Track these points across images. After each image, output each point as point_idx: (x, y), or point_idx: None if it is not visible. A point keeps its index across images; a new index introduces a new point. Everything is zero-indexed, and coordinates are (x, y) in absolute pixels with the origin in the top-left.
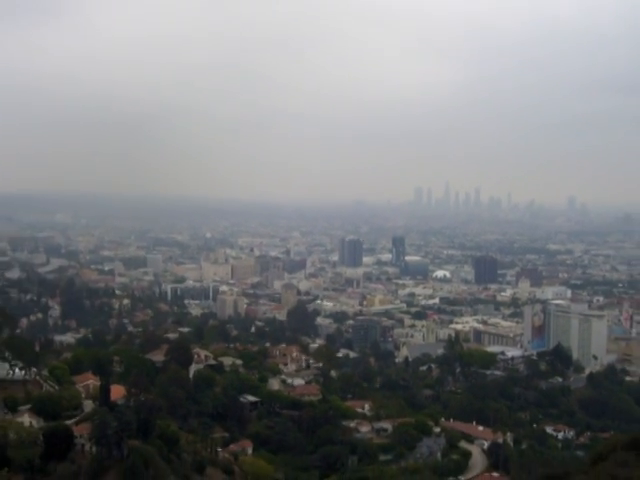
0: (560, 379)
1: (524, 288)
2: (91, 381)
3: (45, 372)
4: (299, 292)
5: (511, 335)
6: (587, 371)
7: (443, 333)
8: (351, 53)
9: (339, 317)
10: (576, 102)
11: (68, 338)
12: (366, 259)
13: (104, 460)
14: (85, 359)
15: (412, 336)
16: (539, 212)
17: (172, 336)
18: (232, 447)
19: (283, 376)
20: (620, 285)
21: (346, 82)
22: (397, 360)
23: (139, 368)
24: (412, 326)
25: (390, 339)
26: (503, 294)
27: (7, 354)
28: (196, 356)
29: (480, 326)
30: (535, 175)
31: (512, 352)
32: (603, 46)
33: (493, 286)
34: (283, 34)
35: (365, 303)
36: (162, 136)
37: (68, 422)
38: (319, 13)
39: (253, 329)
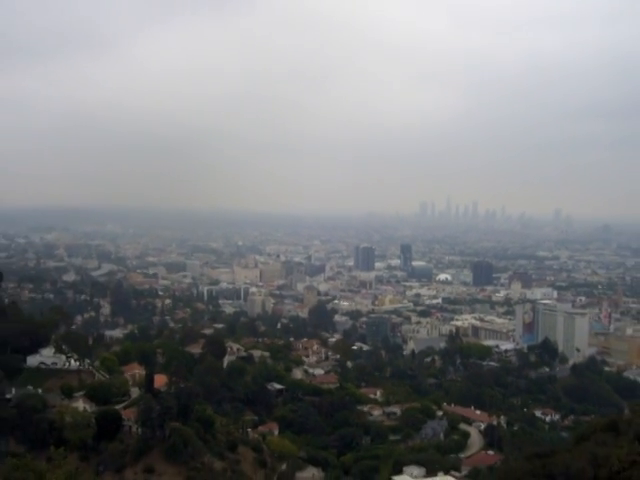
0: (547, 369)
1: (516, 289)
2: (137, 371)
3: (97, 363)
4: (319, 293)
5: (504, 331)
6: (571, 362)
7: (445, 329)
8: (364, 84)
9: (354, 315)
10: (562, 126)
11: (117, 333)
12: (377, 264)
13: (148, 440)
14: (132, 352)
15: (418, 331)
16: (529, 223)
17: (208, 331)
18: (260, 428)
19: (305, 366)
20: (600, 287)
21: (361, 109)
22: (405, 352)
23: (179, 359)
24: (418, 323)
25: (399, 334)
26: (497, 295)
27: (64, 347)
28: (229, 349)
29: (477, 323)
30: (525, 190)
31: (505, 345)
32: (585, 77)
33: (489, 288)
34: (307, 68)
35: (377, 302)
36: (200, 157)
37: (117, 407)
38: (337, 50)
39: (279, 325)
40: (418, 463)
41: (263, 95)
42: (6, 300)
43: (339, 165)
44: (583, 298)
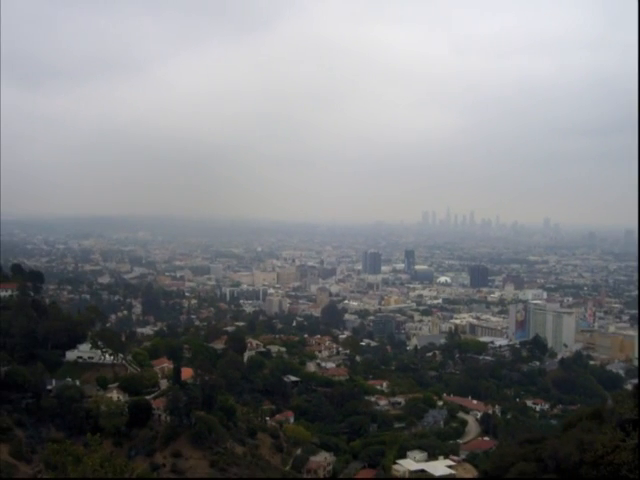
0: (538, 363)
1: (509, 291)
2: (166, 364)
3: (129, 357)
4: (330, 294)
5: (499, 328)
6: (559, 357)
7: (445, 326)
8: (372, 104)
9: (362, 314)
10: (551, 142)
11: (147, 330)
12: (384, 268)
13: (176, 427)
14: (161, 347)
15: (420, 329)
16: (521, 230)
17: (230, 329)
18: (277, 417)
19: (318, 360)
20: (585, 288)
21: (368, 127)
22: (408, 348)
23: (204, 354)
24: (420, 321)
25: (403, 331)
26: (492, 296)
27: (99, 343)
28: (249, 344)
29: (474, 321)
30: (518, 200)
31: (500, 341)
32: (573, 98)
33: (485, 289)
34: (319, 89)
35: (383, 303)
36: (223, 170)
37: (148, 397)
38: (347, 73)
39: (294, 323)
40: (420, 448)
41: (280, 114)
42: (47, 300)
43: (349, 178)
44: (570, 299)
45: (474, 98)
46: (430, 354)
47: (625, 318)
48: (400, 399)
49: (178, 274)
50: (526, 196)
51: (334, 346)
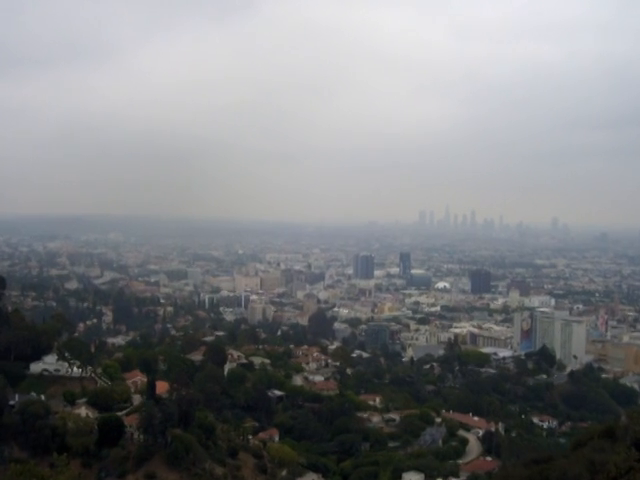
0: (545, 376)
1: (514, 297)
2: (139, 378)
3: (99, 370)
4: (319, 301)
5: (502, 338)
6: (568, 369)
7: (444, 336)
8: (365, 94)
9: (353, 322)
10: (559, 136)
11: (119, 340)
12: (377, 272)
13: (150, 446)
14: (134, 359)
15: (417, 339)
16: (526, 231)
17: (209, 339)
18: (261, 435)
19: (305, 373)
20: (597, 295)
21: (361, 119)
22: (404, 359)
23: (180, 366)
24: (417, 330)
25: (398, 341)
26: (495, 302)
27: (66, 354)
28: (230, 356)
29: (475, 330)
30: (523, 199)
31: (503, 353)
32: (582, 87)
33: (487, 296)
34: (308, 79)
35: (376, 310)
36: (202, 165)
37: (119, 413)
38: (338, 61)
39: (279, 333)
40: (417, 469)
41: (265, 105)
42: (9, 308)
43: (340, 174)
44: (580, 306)
45: (475, 87)
46: (427, 366)
47: None
48: (395, 416)
49: (152, 279)
50: (532, 194)
51: (323, 358)
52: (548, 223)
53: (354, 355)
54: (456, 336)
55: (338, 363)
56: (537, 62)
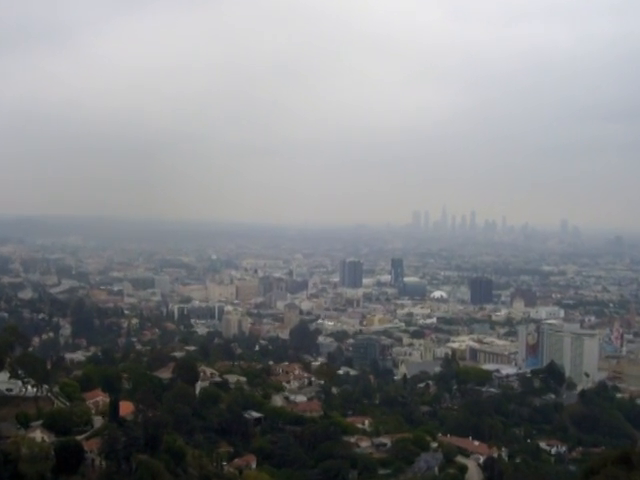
0: (553, 396)
1: (518, 308)
2: (100, 398)
3: (56, 389)
4: (301, 312)
5: (506, 353)
6: (579, 388)
7: (440, 351)
8: (354, 81)
9: (340, 336)
10: (567, 129)
11: (78, 356)
12: (366, 280)
13: (113, 474)
14: (95, 376)
15: (410, 354)
16: (533, 235)
17: (179, 354)
18: (237, 461)
19: (286, 393)
20: (611, 305)
21: (349, 109)
22: (396, 377)
23: (147, 385)
24: (410, 345)
25: (389, 357)
26: (498, 314)
27: (20, 372)
28: (202, 373)
29: (476, 345)
30: (529, 199)
31: (507, 370)
32: (596, 74)
33: (488, 306)
34: (291, 64)
35: (365, 322)
36: (171, 161)
37: (79, 437)
38: (325, 44)
39: (257, 347)
40: None
41: (242, 94)
42: None
43: (325, 171)
44: (592, 317)
45: (475, 74)
46: (422, 385)
47: None
48: (386, 440)
49: (116, 288)
50: (539, 193)
51: (305, 375)
52: (557, 225)
53: (340, 372)
54: (454, 351)
55: (322, 381)
56: (544, 46)
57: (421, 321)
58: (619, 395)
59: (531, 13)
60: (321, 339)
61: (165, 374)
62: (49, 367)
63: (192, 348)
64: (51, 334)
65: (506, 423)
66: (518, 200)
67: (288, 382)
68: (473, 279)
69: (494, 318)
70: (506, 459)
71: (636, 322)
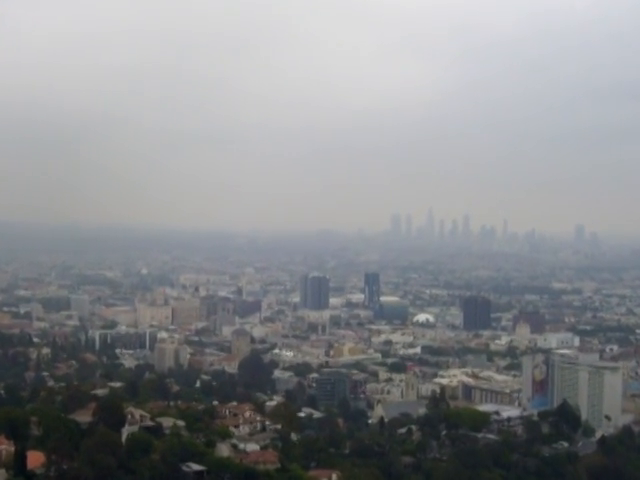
0: (566, 444)
1: (523, 335)
2: (4, 446)
3: None
4: (253, 340)
5: (507, 391)
6: (598, 434)
7: (426, 388)
8: (319, 54)
9: (301, 370)
10: (584, 111)
11: None
12: (333, 300)
13: None
14: None
15: (389, 392)
16: (541, 244)
17: (101, 392)
18: None
19: (234, 440)
20: (638, 331)
21: (313, 88)
22: (370, 421)
23: (61, 431)
24: (389, 380)
25: (362, 396)
26: (498, 342)
27: None
28: (129, 416)
29: (470, 380)
30: (536, 199)
31: (509, 412)
32: (617, 43)
33: (486, 333)
34: (241, 33)
35: (332, 353)
36: (89, 152)
37: None
38: (284, 9)
39: (198, 384)
40: None
41: (179, 69)
42: None
43: (282, 164)
44: (615, 347)
45: (470, 43)
46: (403, 430)
47: None
48: None
49: (22, 309)
50: (548, 192)
51: (258, 419)
52: (570, 232)
53: (302, 415)
54: (443, 388)
55: (279, 426)
56: (556, 8)
57: (402, 351)
58: None
59: None
60: (278, 373)
61: (84, 417)
62: None
63: (117, 385)
64: None
65: (508, 477)
66: (522, 201)
67: (237, 427)
68: (466, 299)
69: (493, 347)
70: None
71: None
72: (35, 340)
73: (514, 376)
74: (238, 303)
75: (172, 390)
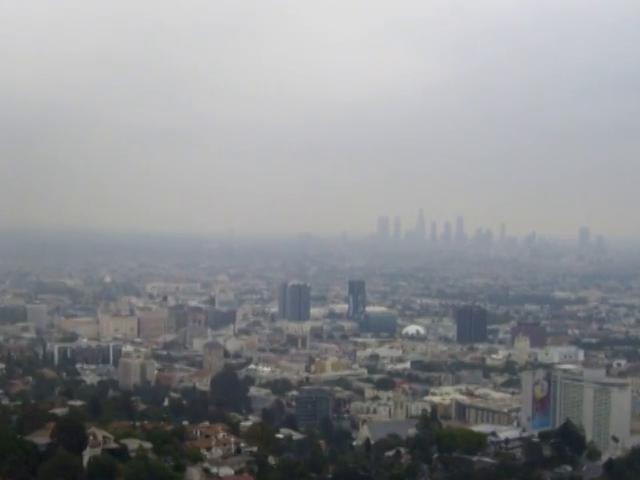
0: (569, 468)
1: (522, 349)
2: None
3: None
4: (227, 354)
5: (505, 410)
6: (605, 457)
7: (416, 407)
8: (298, 40)
9: (279, 387)
10: (589, 104)
11: None
12: (315, 310)
13: None
14: None
15: (375, 411)
16: (542, 248)
17: (60, 411)
18: None
19: (206, 464)
20: None
21: (291, 77)
22: (355, 443)
23: (17, 453)
24: (375, 398)
25: (346, 415)
26: (494, 356)
27: None
28: (91, 438)
29: (464, 398)
30: (536, 200)
31: (506, 432)
32: (625, 30)
33: (481, 346)
34: (211, 17)
35: (313, 368)
36: (46, 149)
37: None
38: None
39: (166, 402)
40: None
41: (143, 56)
42: None
43: (257, 162)
44: (623, 362)
45: (465, 30)
46: (391, 453)
47: None
48: None
49: None
50: (550, 193)
51: (232, 440)
52: (574, 236)
53: (280, 436)
54: (434, 407)
55: (255, 448)
56: None
57: (390, 366)
58: None
59: None
60: (254, 391)
61: (41, 438)
62: None
63: (78, 403)
64: None
65: None
66: (522, 202)
67: (209, 449)
68: (460, 309)
69: (489, 362)
70: None
71: None
72: None
73: (512, 393)
74: (210, 314)
75: (138, 409)
